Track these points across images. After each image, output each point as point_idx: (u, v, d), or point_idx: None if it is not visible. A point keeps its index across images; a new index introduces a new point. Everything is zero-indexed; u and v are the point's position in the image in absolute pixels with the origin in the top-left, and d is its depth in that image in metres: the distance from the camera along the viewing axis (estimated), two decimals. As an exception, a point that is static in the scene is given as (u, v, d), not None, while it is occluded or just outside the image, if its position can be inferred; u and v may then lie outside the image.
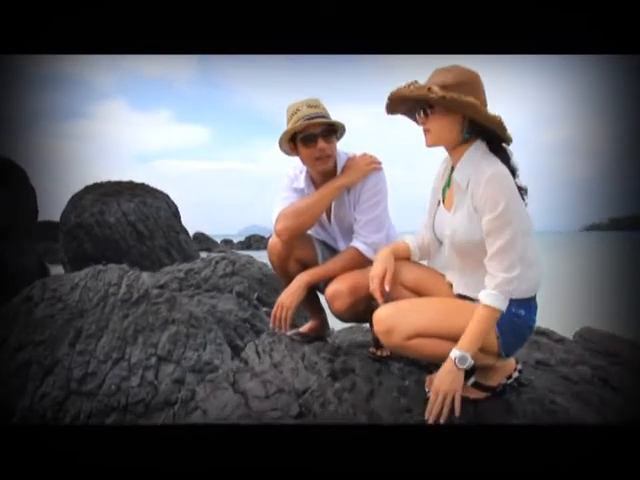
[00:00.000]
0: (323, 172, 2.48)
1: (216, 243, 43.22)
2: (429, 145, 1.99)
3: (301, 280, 2.47)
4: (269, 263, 2.74)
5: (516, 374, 2.06)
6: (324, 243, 2.69)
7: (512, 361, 2.06)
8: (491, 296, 1.83)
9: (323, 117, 2.39)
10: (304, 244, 2.60)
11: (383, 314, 1.91)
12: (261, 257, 7.42)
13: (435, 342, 1.89)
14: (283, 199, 2.55)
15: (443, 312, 1.93)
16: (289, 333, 2.74)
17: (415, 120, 2.02)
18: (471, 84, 1.87)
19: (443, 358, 2.00)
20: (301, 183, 2.57)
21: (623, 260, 31.15)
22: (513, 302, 1.91)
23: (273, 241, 2.54)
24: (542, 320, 2.75)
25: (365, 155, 2.51)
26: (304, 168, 2.58)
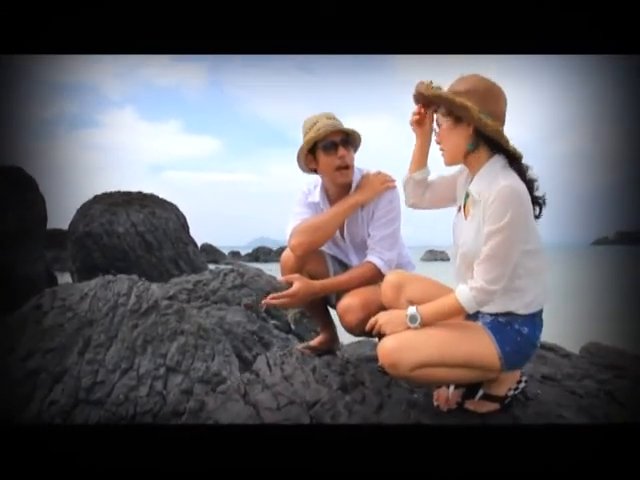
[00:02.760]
0: (341, 185, 2.51)
1: (223, 255, 43.30)
2: (447, 164, 2.07)
3: (316, 287, 2.44)
4: (279, 276, 2.73)
5: (523, 384, 2.07)
6: (335, 258, 2.72)
7: (517, 371, 2.07)
8: (465, 296, 1.88)
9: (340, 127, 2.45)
10: (316, 259, 2.61)
11: (387, 348, 1.92)
12: (269, 270, 7.47)
13: (440, 370, 1.91)
14: (297, 214, 2.59)
15: (447, 341, 1.92)
16: (299, 347, 2.77)
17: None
18: (483, 94, 1.90)
19: (451, 383, 2.06)
20: (316, 197, 2.60)
21: (633, 274, 30.96)
22: (518, 319, 1.94)
23: (286, 255, 2.56)
24: (549, 335, 2.77)
25: (379, 173, 2.54)
26: (318, 182, 2.62)
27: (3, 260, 8.37)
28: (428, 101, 2.07)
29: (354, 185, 2.52)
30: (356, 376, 2.26)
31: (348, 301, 2.37)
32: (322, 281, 2.49)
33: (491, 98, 1.91)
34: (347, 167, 2.45)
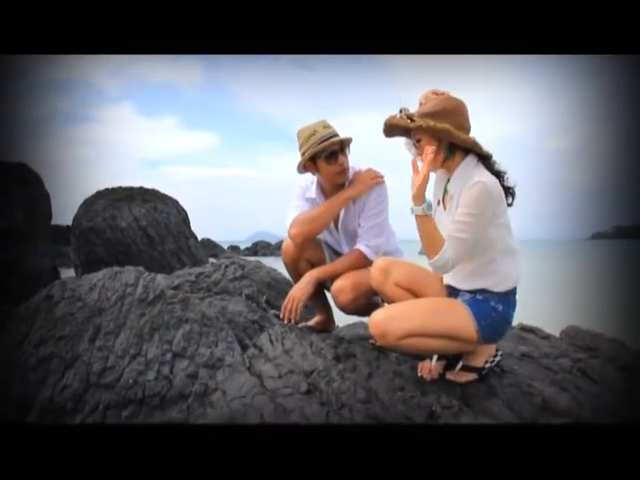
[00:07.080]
0: (338, 184, 2.76)
1: (223, 249, 43.32)
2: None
3: (310, 276, 2.75)
4: (283, 266, 2.98)
5: (498, 357, 2.29)
6: (330, 246, 2.98)
7: (493, 345, 2.29)
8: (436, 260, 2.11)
9: (337, 135, 2.68)
10: (314, 247, 2.89)
11: (377, 319, 2.17)
12: (269, 263, 7.63)
13: (424, 340, 2.13)
14: (295, 207, 2.86)
15: (430, 314, 2.17)
16: (299, 326, 2.99)
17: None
18: (451, 111, 2.13)
19: (433, 352, 2.27)
20: (313, 193, 2.87)
21: (629, 267, 31.55)
22: (494, 297, 2.18)
23: (287, 244, 2.83)
24: (533, 320, 2.97)
25: (370, 170, 2.79)
26: (314, 179, 2.87)
27: (13, 253, 8.53)
28: (402, 131, 2.26)
29: (347, 181, 2.76)
30: (348, 349, 2.49)
31: (340, 283, 2.65)
32: (319, 268, 2.79)
33: (458, 113, 2.16)
34: (345, 170, 2.71)
